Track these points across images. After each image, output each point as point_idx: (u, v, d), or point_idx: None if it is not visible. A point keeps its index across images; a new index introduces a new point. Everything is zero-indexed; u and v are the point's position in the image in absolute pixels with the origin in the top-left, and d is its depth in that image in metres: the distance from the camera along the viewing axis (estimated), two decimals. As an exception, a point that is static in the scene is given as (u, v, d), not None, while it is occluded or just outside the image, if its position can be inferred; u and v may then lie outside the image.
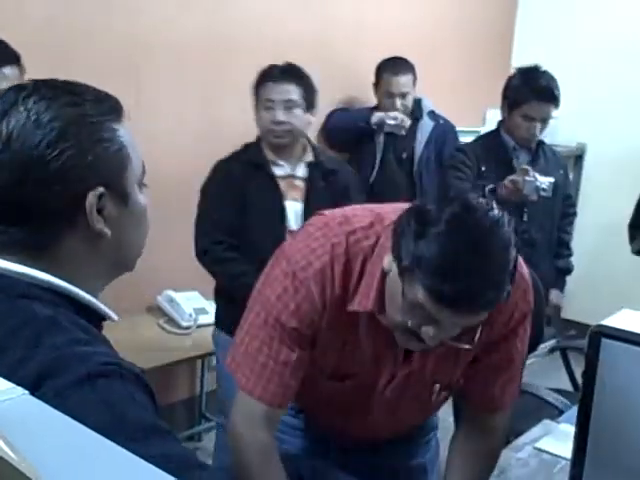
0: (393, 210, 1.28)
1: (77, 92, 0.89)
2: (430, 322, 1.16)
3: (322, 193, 2.46)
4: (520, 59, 3.73)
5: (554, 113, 2.85)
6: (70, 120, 0.85)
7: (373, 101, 3.50)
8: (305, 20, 3.39)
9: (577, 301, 4.38)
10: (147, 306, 3.00)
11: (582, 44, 4.38)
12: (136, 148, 0.93)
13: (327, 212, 1.37)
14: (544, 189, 2.70)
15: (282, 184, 2.45)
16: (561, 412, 2.15)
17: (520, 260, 1.20)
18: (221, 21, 3.06)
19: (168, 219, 2.74)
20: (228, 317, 2.41)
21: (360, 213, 1.34)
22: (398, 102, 3.35)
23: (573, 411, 1.50)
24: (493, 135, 2.94)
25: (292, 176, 2.47)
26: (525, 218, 2.86)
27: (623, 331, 1.13)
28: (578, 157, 4.51)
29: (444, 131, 3.47)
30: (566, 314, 4.47)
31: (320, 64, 3.40)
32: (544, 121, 2.80)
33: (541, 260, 2.86)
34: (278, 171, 2.46)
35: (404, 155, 3.43)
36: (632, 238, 2.78)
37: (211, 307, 2.82)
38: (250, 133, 2.53)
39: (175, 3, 2.91)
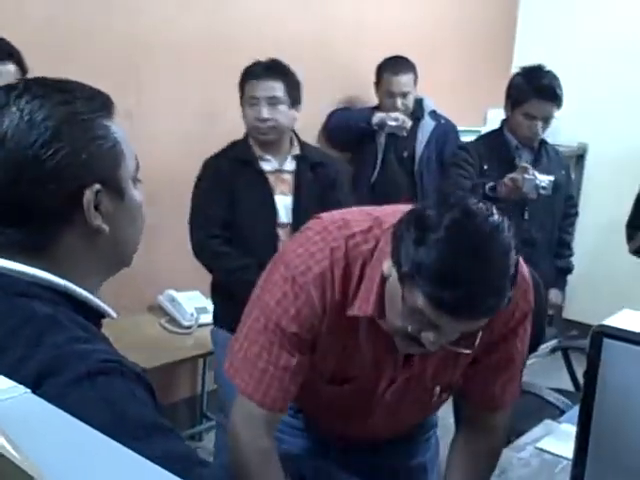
0: (392, 213, 1.28)
1: (68, 90, 0.89)
2: (430, 328, 1.16)
3: (310, 185, 2.50)
4: (521, 59, 3.73)
5: (556, 113, 2.85)
6: (63, 118, 0.85)
7: (374, 101, 3.50)
8: (305, 20, 3.39)
9: (578, 301, 4.37)
10: (148, 305, 3.01)
11: (584, 44, 4.38)
12: (129, 144, 0.93)
13: (325, 216, 1.35)
14: (544, 187, 2.71)
15: (271, 179, 2.48)
16: (562, 412, 2.15)
17: (520, 260, 1.20)
18: (221, 21, 3.06)
19: (169, 218, 2.74)
20: (226, 314, 2.42)
21: (359, 217, 1.33)
22: (399, 101, 3.35)
23: (574, 411, 1.51)
24: (496, 134, 2.95)
25: (280, 170, 2.50)
26: (526, 217, 2.87)
27: (625, 331, 1.13)
28: (579, 157, 4.51)
29: (445, 131, 3.47)
30: (567, 314, 4.48)
31: (320, 64, 3.41)
32: (546, 120, 2.80)
33: (541, 259, 2.86)
34: (266, 166, 2.48)
35: (405, 154, 3.43)
36: (629, 238, 2.78)
37: (212, 306, 2.82)
38: (250, 132, 2.53)
39: (175, 3, 2.91)
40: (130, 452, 0.54)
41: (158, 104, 2.88)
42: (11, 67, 2.06)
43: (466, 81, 4.27)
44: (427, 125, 3.44)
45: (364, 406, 1.43)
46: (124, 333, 2.48)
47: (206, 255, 2.44)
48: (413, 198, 3.21)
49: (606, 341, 1.13)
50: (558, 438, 1.77)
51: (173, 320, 2.90)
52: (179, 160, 2.84)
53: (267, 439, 1.33)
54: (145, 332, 2.82)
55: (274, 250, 2.40)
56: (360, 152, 3.48)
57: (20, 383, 0.61)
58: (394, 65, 3.36)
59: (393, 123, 3.32)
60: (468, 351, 1.24)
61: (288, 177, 2.50)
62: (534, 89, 2.74)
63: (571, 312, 4.44)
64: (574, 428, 1.22)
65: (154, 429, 0.76)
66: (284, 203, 2.48)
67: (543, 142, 2.95)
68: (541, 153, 2.94)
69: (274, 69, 2.46)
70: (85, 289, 0.89)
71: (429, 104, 3.49)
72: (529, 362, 2.01)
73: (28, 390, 0.60)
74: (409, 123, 3.35)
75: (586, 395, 1.17)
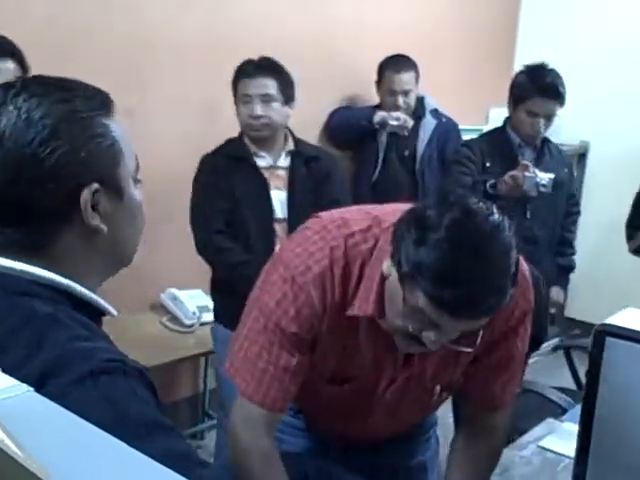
0: (391, 212, 1.28)
1: (67, 88, 0.88)
2: (431, 327, 1.16)
3: (304, 180, 2.52)
4: (524, 58, 3.72)
5: (559, 111, 2.85)
6: (61, 117, 0.84)
7: (375, 100, 3.50)
8: (306, 20, 3.39)
9: (580, 300, 4.37)
10: (150, 304, 3.01)
11: (586, 42, 4.37)
12: (128, 143, 0.93)
13: (324, 215, 1.35)
14: (544, 185, 2.72)
15: (265, 174, 2.50)
16: (564, 411, 2.15)
17: (520, 259, 1.20)
18: (221, 21, 3.06)
19: (171, 217, 2.74)
20: (226, 310, 2.43)
21: (358, 216, 1.32)
22: (400, 100, 3.35)
23: (577, 410, 1.50)
24: (499, 131, 2.96)
25: (274, 166, 2.53)
26: (528, 215, 2.87)
27: (627, 330, 1.12)
28: (581, 155, 4.50)
29: (447, 129, 3.47)
30: (569, 313, 4.47)
31: (321, 63, 3.41)
32: (548, 118, 2.80)
33: (543, 257, 2.87)
34: (261, 162, 2.51)
35: (406, 153, 3.43)
36: (629, 237, 2.78)
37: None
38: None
39: (175, 3, 2.91)
40: (133, 450, 0.54)
41: (159, 103, 2.88)
42: (10, 65, 2.06)
43: (468, 80, 4.26)
44: (428, 124, 3.44)
45: (364, 406, 1.42)
46: (126, 331, 2.49)
47: (210, 250, 2.46)
48: (414, 197, 3.21)
49: (608, 340, 1.13)
50: (560, 437, 1.77)
51: (175, 318, 2.91)
52: (180, 159, 2.84)
53: (267, 439, 1.33)
54: (147, 330, 2.82)
55: (271, 245, 2.43)
56: (361, 151, 3.48)
57: (23, 383, 0.61)
58: (396, 63, 3.36)
59: (395, 123, 3.32)
60: (469, 350, 1.24)
61: (282, 173, 2.53)
62: (537, 87, 2.75)
63: (573, 311, 4.44)
64: (576, 427, 1.22)
65: (155, 428, 0.76)
66: (279, 198, 2.50)
67: (546, 140, 2.96)
68: (544, 151, 2.94)
69: (266, 67, 2.49)
70: (85, 287, 0.89)
71: (430, 102, 3.49)
72: (531, 361, 2.01)
73: (31, 388, 0.60)
74: (410, 122, 3.35)
75: (588, 394, 1.17)
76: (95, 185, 0.86)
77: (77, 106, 0.86)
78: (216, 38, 3.04)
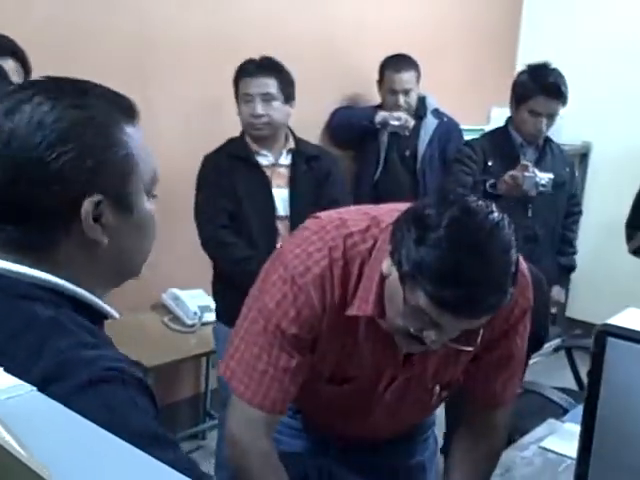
0: (389, 212, 1.28)
1: (87, 93, 0.86)
2: (432, 326, 1.16)
3: (305, 178, 2.55)
4: (526, 58, 3.72)
5: (561, 111, 2.85)
6: (74, 122, 0.82)
7: (376, 100, 3.50)
8: (308, 19, 3.39)
9: (582, 300, 4.37)
10: (152, 304, 3.01)
11: (589, 42, 4.37)
12: (148, 156, 0.90)
13: (323, 215, 1.35)
14: (543, 185, 2.73)
15: (267, 172, 2.52)
16: (566, 411, 2.15)
17: (520, 257, 1.20)
18: (224, 21, 3.07)
19: (173, 217, 2.74)
20: (228, 309, 2.43)
21: (356, 216, 1.32)
22: (401, 99, 3.35)
23: (578, 410, 1.50)
24: (501, 131, 2.96)
25: (276, 164, 2.55)
26: (530, 214, 2.88)
27: (629, 330, 1.12)
28: (583, 155, 4.50)
29: (448, 129, 3.47)
30: (571, 313, 4.47)
31: (323, 63, 3.41)
32: (550, 117, 2.80)
33: (543, 256, 2.87)
34: (262, 161, 2.53)
35: (407, 153, 3.43)
36: (629, 238, 2.78)
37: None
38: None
39: (177, 3, 2.91)
40: (135, 450, 0.54)
41: (161, 103, 2.88)
42: (11, 64, 2.06)
43: (470, 80, 4.26)
44: (430, 123, 3.44)
45: (364, 406, 1.42)
46: (127, 331, 2.49)
47: (214, 245, 2.47)
48: (415, 197, 3.21)
49: (610, 340, 1.12)
50: (562, 437, 1.77)
51: (176, 318, 2.91)
52: (183, 158, 2.84)
53: (266, 441, 1.32)
54: (148, 330, 2.82)
55: (274, 243, 2.44)
56: (363, 151, 3.49)
57: None
58: (396, 63, 3.36)
59: (396, 123, 3.31)
60: (470, 348, 1.24)
61: (284, 171, 2.55)
62: (540, 86, 2.75)
63: (574, 311, 4.44)
64: (578, 427, 1.22)
65: (155, 440, 0.75)
66: (281, 196, 2.52)
67: (548, 140, 2.96)
68: (545, 151, 2.94)
69: (267, 66, 2.51)
70: (87, 291, 0.87)
71: (432, 102, 3.49)
72: (533, 361, 2.01)
73: (34, 388, 0.60)
74: (412, 122, 3.35)
75: (590, 394, 1.17)
76: (98, 196, 0.84)
77: (94, 113, 0.85)
78: (217, 38, 3.04)
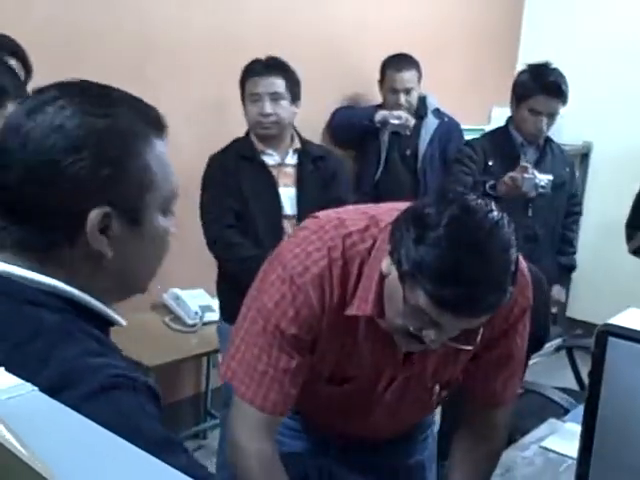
0: (388, 211, 1.27)
1: (112, 101, 0.85)
2: (431, 326, 1.16)
3: (312, 178, 2.56)
4: (527, 58, 3.72)
5: (561, 110, 2.85)
6: (94, 130, 0.81)
7: (377, 99, 3.50)
8: (309, 19, 3.39)
9: (582, 300, 4.37)
10: (153, 304, 3.01)
11: (590, 42, 4.37)
12: (168, 171, 0.88)
13: (321, 215, 1.35)
14: (543, 186, 2.74)
15: (274, 172, 2.53)
16: (567, 411, 2.15)
17: (519, 257, 1.20)
18: (227, 21, 3.07)
19: (175, 217, 2.74)
20: (232, 308, 2.43)
21: (355, 216, 1.32)
22: (402, 98, 3.35)
23: (579, 410, 1.50)
24: (501, 131, 2.96)
25: (282, 164, 2.55)
26: (530, 213, 2.88)
27: (630, 330, 1.12)
28: (584, 155, 4.50)
29: (449, 129, 3.47)
30: (571, 313, 4.47)
31: (324, 63, 3.41)
32: (551, 116, 2.81)
33: (543, 255, 2.87)
34: (269, 160, 2.54)
35: (408, 153, 3.43)
36: (629, 238, 2.79)
37: (217, 305, 2.82)
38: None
39: (179, 3, 2.91)
40: (137, 450, 0.54)
41: (162, 103, 2.86)
42: (12, 62, 2.06)
43: (471, 80, 4.26)
44: (430, 123, 3.44)
45: (364, 406, 1.42)
46: (128, 331, 2.47)
47: (220, 245, 2.47)
48: (416, 196, 3.21)
49: (611, 340, 1.12)
50: (563, 437, 1.77)
51: (177, 318, 2.91)
52: (187, 158, 2.83)
53: (268, 443, 1.32)
54: (149, 330, 2.82)
55: (280, 242, 2.43)
56: (363, 150, 3.49)
57: None
58: (397, 62, 3.36)
59: (396, 122, 3.31)
60: (469, 347, 1.24)
61: (290, 170, 2.55)
62: (540, 85, 2.76)
63: (575, 311, 4.44)
64: (579, 427, 1.22)
65: (168, 445, 0.75)
66: (288, 195, 2.53)
67: (548, 139, 2.96)
68: (546, 150, 2.95)
69: (274, 66, 2.52)
70: (94, 298, 0.86)
71: (432, 102, 3.49)
72: (534, 361, 2.01)
73: (35, 388, 0.60)
74: (412, 121, 3.34)
75: (591, 394, 1.17)
76: (107, 208, 0.82)
77: (116, 122, 0.83)
78: (217, 38, 3.04)
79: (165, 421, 0.80)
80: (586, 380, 1.21)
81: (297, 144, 2.59)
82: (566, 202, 3.03)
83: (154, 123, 0.88)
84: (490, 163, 2.85)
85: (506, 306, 1.25)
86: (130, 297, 0.93)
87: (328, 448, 1.56)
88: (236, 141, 2.58)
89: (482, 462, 1.49)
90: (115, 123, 0.83)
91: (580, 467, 1.21)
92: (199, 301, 2.91)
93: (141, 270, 0.92)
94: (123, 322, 0.90)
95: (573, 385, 2.72)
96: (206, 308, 2.88)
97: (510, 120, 2.93)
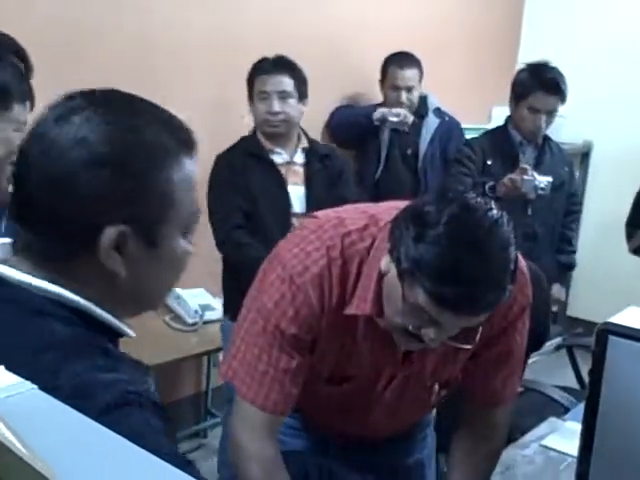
0: (387, 210, 1.27)
1: (141, 116, 0.83)
2: (431, 324, 1.16)
3: (320, 176, 2.57)
4: (527, 57, 3.71)
5: (560, 110, 2.86)
6: (118, 145, 0.79)
7: (377, 99, 3.49)
8: (309, 19, 3.38)
9: (583, 298, 4.37)
10: (153, 303, 3.01)
11: (590, 42, 4.37)
12: (192, 192, 0.85)
13: (320, 214, 1.35)
14: (542, 188, 2.75)
15: (282, 170, 2.53)
16: (567, 410, 2.15)
17: (519, 255, 1.20)
18: (228, 21, 3.06)
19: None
20: (236, 305, 2.43)
21: (354, 215, 1.32)
22: (404, 95, 3.34)
23: (579, 408, 1.50)
24: (500, 130, 2.97)
25: (290, 162, 2.56)
26: (529, 212, 2.88)
27: (630, 329, 1.12)
28: (584, 155, 4.50)
29: (449, 128, 3.47)
30: (572, 311, 4.47)
31: (324, 63, 3.41)
32: (549, 114, 2.81)
33: (542, 254, 2.87)
34: (277, 159, 2.54)
35: (409, 152, 3.42)
36: (629, 237, 2.79)
37: (217, 304, 2.82)
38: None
39: (179, 3, 2.91)
40: (137, 448, 0.54)
41: (165, 103, 2.87)
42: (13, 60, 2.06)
43: (471, 79, 4.26)
44: (431, 122, 3.43)
45: (363, 405, 1.42)
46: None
47: (230, 246, 2.46)
48: (417, 196, 3.21)
49: (612, 338, 1.12)
50: (563, 436, 1.77)
51: (178, 317, 2.91)
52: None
53: (269, 443, 1.32)
54: (149, 329, 2.81)
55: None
56: (363, 149, 3.48)
57: None
58: (400, 59, 3.36)
59: (394, 119, 3.30)
60: (468, 346, 1.24)
61: (299, 169, 2.56)
62: (539, 82, 2.77)
63: (575, 309, 4.43)
64: (579, 426, 1.22)
65: (171, 459, 0.75)
66: (297, 194, 2.54)
67: (547, 138, 2.97)
68: (544, 150, 2.95)
69: (282, 64, 2.53)
70: (105, 310, 0.84)
71: (433, 101, 3.49)
72: (534, 359, 2.01)
73: (35, 386, 0.60)
74: (411, 118, 3.33)
75: (591, 393, 1.17)
76: (123, 227, 0.79)
77: (144, 138, 0.80)
78: (218, 38, 3.03)
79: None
80: (586, 379, 1.22)
81: (305, 143, 2.60)
82: (565, 201, 3.04)
83: (185, 140, 0.85)
84: (489, 162, 2.85)
85: (505, 304, 1.25)
86: (143, 313, 0.91)
87: (328, 447, 1.56)
88: (243, 140, 2.58)
89: (482, 462, 1.49)
90: (143, 138, 0.81)
91: (580, 466, 1.22)
92: (199, 300, 2.91)
93: (155, 290, 0.90)
94: (132, 333, 0.88)
95: (573, 384, 2.72)
96: (206, 307, 2.88)
97: (509, 119, 2.94)
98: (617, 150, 4.32)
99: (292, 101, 2.51)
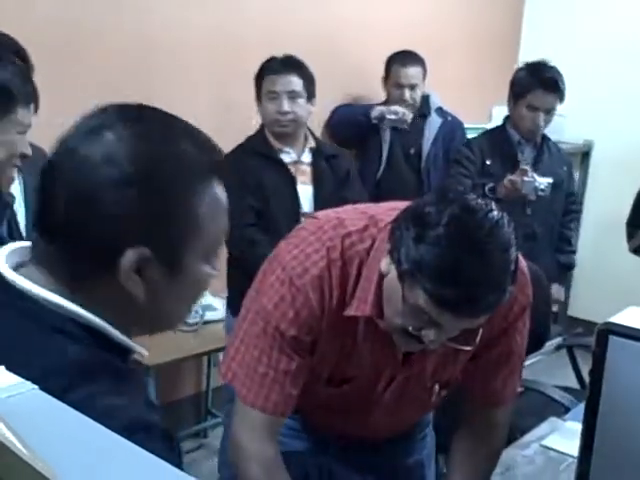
0: (387, 211, 1.27)
1: (175, 136, 0.80)
2: (431, 325, 1.16)
3: (328, 176, 2.58)
4: (527, 57, 3.72)
5: (561, 109, 2.86)
6: (148, 166, 0.77)
7: (379, 99, 3.49)
8: (311, 18, 3.39)
9: (583, 298, 4.37)
10: (153, 303, 3.01)
11: (591, 42, 4.36)
12: (219, 218, 0.83)
13: (320, 215, 1.35)
14: (542, 189, 2.76)
15: (291, 169, 2.54)
16: (567, 409, 2.15)
17: (519, 256, 1.20)
18: (229, 20, 3.07)
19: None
20: (241, 302, 2.43)
21: (354, 216, 1.31)
22: (407, 93, 3.33)
23: (580, 408, 1.50)
24: (499, 129, 2.98)
25: (298, 162, 2.57)
26: (528, 212, 2.89)
27: (631, 328, 1.12)
28: (585, 154, 4.50)
29: (452, 128, 3.46)
30: (572, 311, 4.47)
31: (326, 62, 3.40)
32: (548, 112, 2.82)
33: (542, 253, 2.88)
34: (286, 158, 2.55)
35: (412, 151, 3.41)
36: (629, 236, 2.79)
37: (218, 304, 2.82)
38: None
39: (179, 3, 2.91)
40: (138, 448, 0.54)
41: (163, 103, 2.87)
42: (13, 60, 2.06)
43: (472, 79, 4.26)
44: (434, 122, 3.43)
45: (363, 406, 1.42)
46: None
47: (244, 244, 2.44)
48: (419, 196, 3.19)
49: (612, 338, 1.12)
50: (563, 436, 1.77)
51: (178, 317, 2.91)
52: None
53: (270, 444, 1.32)
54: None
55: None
56: (364, 149, 3.47)
57: None
58: (403, 57, 3.36)
59: (393, 117, 3.28)
60: (469, 348, 1.24)
61: (306, 168, 2.58)
62: (538, 80, 2.78)
63: (576, 309, 4.43)
64: (579, 426, 1.22)
65: None
66: (305, 193, 2.54)
67: (545, 138, 2.97)
68: (543, 149, 2.95)
69: (291, 64, 2.54)
70: (119, 329, 0.82)
71: (436, 101, 3.48)
72: (534, 360, 2.01)
73: (35, 386, 0.60)
74: (410, 116, 3.30)
75: (592, 393, 1.17)
76: (146, 251, 0.77)
77: (175, 158, 0.78)
78: (224, 37, 3.04)
79: (166, 421, 0.80)
80: (587, 378, 1.22)
81: (312, 142, 2.61)
82: (564, 200, 3.04)
83: (216, 163, 0.82)
84: (488, 162, 2.86)
85: (506, 304, 1.25)
86: (156, 333, 0.90)
87: (328, 447, 1.56)
88: (250, 139, 2.57)
89: (482, 462, 1.49)
90: (174, 158, 0.79)
91: (581, 466, 1.22)
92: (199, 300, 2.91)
93: (174, 312, 0.88)
94: (145, 352, 0.86)
95: (574, 384, 2.72)
96: (207, 307, 2.88)
97: (507, 119, 2.94)
98: (617, 150, 4.32)
99: (301, 101, 2.51)
